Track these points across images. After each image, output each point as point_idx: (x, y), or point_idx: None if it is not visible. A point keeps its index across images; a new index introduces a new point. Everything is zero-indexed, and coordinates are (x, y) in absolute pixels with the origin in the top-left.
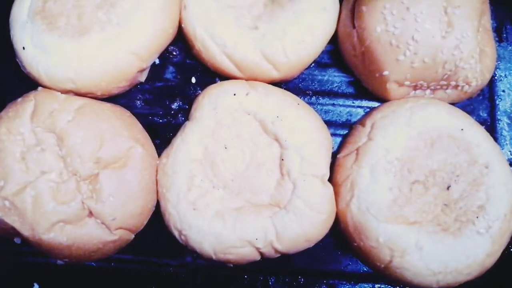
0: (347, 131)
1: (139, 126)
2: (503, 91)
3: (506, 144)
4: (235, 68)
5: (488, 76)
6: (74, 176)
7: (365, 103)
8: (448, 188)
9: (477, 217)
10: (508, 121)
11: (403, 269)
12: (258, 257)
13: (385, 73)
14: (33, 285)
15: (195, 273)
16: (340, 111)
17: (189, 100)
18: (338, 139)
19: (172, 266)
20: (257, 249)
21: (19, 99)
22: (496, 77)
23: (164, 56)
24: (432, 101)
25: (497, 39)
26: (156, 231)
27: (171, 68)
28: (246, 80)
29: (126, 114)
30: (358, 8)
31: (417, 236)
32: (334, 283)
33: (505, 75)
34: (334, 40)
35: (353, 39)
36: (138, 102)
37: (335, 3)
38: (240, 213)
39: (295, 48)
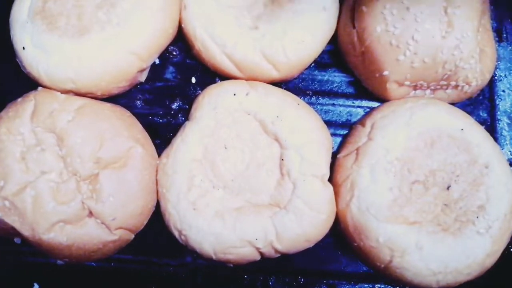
0: (347, 131)
1: (139, 126)
2: (503, 91)
3: (506, 144)
4: (235, 68)
5: (488, 76)
6: (74, 176)
7: (365, 103)
8: (448, 188)
9: (477, 217)
10: (508, 121)
11: (403, 269)
12: (258, 257)
13: (385, 73)
14: (33, 285)
15: (195, 273)
16: (340, 111)
17: (189, 100)
18: (338, 139)
19: (172, 266)
20: (257, 249)
21: (19, 99)
22: (496, 77)
23: (164, 56)
24: (432, 101)
25: (497, 39)
26: (156, 231)
27: (171, 68)
28: (246, 80)
29: (126, 114)
30: (358, 8)
31: (417, 236)
32: (334, 283)
33: (505, 75)
34: (334, 40)
35: (353, 39)
36: (138, 102)
37: (335, 3)
38: (240, 213)
39: (295, 48)
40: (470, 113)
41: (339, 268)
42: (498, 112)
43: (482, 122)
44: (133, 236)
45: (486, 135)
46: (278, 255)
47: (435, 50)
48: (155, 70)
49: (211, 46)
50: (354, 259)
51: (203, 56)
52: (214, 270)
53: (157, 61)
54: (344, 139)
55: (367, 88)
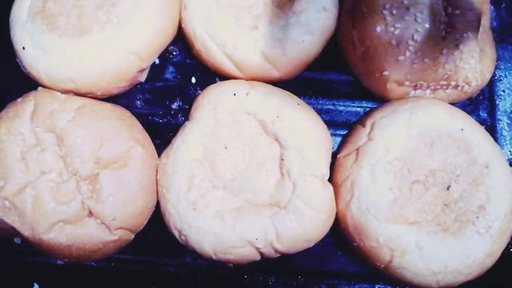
0: (347, 131)
1: (139, 126)
2: (503, 91)
3: (506, 144)
4: (235, 68)
5: (488, 76)
6: (74, 176)
7: (365, 103)
8: (448, 188)
9: (477, 217)
10: (508, 121)
11: (403, 269)
12: (258, 257)
13: (385, 73)
14: (33, 285)
15: (195, 273)
16: (340, 111)
17: (189, 100)
18: (338, 139)
19: (172, 266)
20: (257, 249)
21: (19, 99)
22: (496, 77)
23: (164, 56)
24: (432, 101)
25: (497, 39)
26: (156, 231)
27: (171, 68)
28: (246, 80)
29: (126, 114)
30: (358, 8)
31: (417, 236)
32: (334, 283)
33: (505, 75)
34: (334, 40)
35: (353, 39)
36: (138, 102)
37: (335, 3)
38: (240, 213)
39: (295, 48)
40: (470, 113)
41: (339, 268)
42: (498, 112)
43: (482, 122)
44: (133, 236)
45: (486, 135)
46: (278, 255)
47: (435, 50)
48: (155, 70)
49: (211, 46)
50: (354, 259)
51: (203, 56)
52: (214, 270)
53: (157, 61)
54: (344, 139)
55: (367, 88)
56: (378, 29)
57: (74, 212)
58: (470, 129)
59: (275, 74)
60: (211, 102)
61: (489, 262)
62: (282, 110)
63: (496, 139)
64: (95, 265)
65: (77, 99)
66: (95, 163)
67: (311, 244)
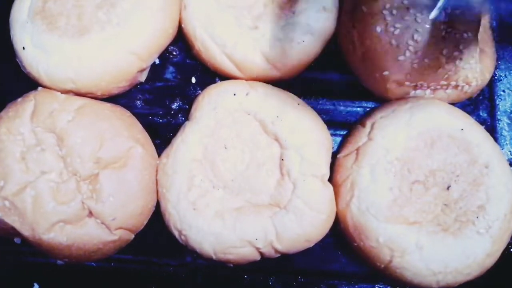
0: (347, 131)
1: (139, 126)
2: (503, 91)
3: (506, 144)
4: (235, 68)
5: (488, 76)
6: (74, 176)
7: (365, 103)
8: (448, 188)
9: (477, 217)
10: (508, 121)
11: (403, 269)
12: (258, 257)
13: (385, 73)
14: (33, 285)
15: (195, 273)
16: (340, 111)
17: (189, 100)
18: (338, 139)
19: (172, 266)
20: (257, 249)
21: (19, 99)
22: (496, 77)
23: (164, 56)
24: (432, 101)
25: (497, 39)
26: (156, 231)
27: (171, 68)
28: (246, 80)
29: (126, 114)
30: (358, 8)
31: (417, 236)
32: (334, 283)
33: (505, 75)
34: (334, 40)
35: (353, 39)
36: (138, 102)
37: (335, 3)
38: (240, 213)
39: (295, 48)
40: (470, 113)
41: (339, 268)
42: (498, 112)
43: (482, 122)
44: (133, 236)
45: (486, 135)
46: (278, 255)
47: (435, 50)
48: (155, 70)
49: (211, 46)
50: (354, 259)
51: (203, 56)
52: (214, 270)
53: (157, 61)
54: (344, 139)
55: (367, 88)
56: (378, 29)
57: (74, 212)
58: (470, 129)
59: (275, 74)
60: (211, 102)
61: (489, 262)
62: (282, 110)
63: (496, 139)
64: (95, 265)
65: (77, 99)
66: (95, 163)
67: (311, 244)
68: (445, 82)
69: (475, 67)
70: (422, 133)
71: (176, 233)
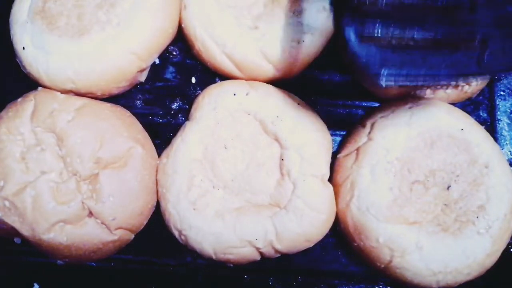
0: (347, 131)
1: (139, 126)
2: (503, 91)
3: (506, 144)
4: (235, 68)
5: (488, 76)
6: (74, 176)
7: (365, 103)
8: (448, 188)
9: (477, 217)
10: (508, 121)
11: (403, 269)
12: (258, 257)
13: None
14: (33, 285)
15: (195, 273)
16: (340, 111)
17: (189, 100)
18: (338, 139)
19: (172, 266)
20: (257, 249)
21: (19, 99)
22: (496, 77)
23: (164, 56)
24: (432, 101)
25: None
26: (156, 231)
27: (171, 68)
28: (246, 80)
29: (126, 114)
30: None
31: (417, 236)
32: (334, 283)
33: (505, 75)
34: (334, 40)
35: None
36: (138, 102)
37: None
38: (240, 213)
39: (295, 48)
40: (470, 113)
41: (339, 268)
42: (498, 112)
43: (482, 122)
44: (133, 236)
45: (486, 135)
46: (278, 255)
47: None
48: (155, 70)
49: (211, 46)
50: (354, 259)
51: (203, 56)
52: (214, 270)
53: (157, 61)
54: (344, 139)
55: (367, 88)
56: None
57: (74, 212)
58: (470, 129)
59: (275, 74)
60: (211, 102)
61: (489, 262)
62: (282, 110)
63: (496, 139)
64: (95, 265)
65: (77, 99)
66: (95, 163)
67: (311, 244)
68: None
69: None
70: (422, 133)
71: (176, 233)
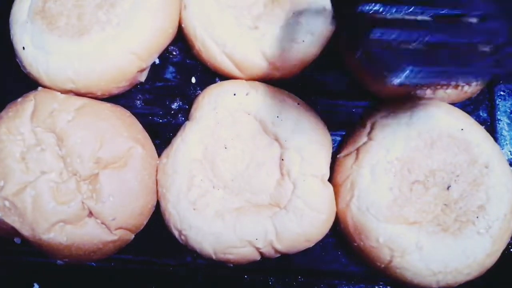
0: (347, 131)
1: (139, 126)
2: (503, 91)
3: (506, 144)
4: (235, 68)
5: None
6: (74, 176)
7: (365, 103)
8: (448, 188)
9: (477, 217)
10: (508, 121)
11: (403, 269)
12: (258, 257)
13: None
14: (33, 285)
15: (195, 273)
16: (340, 111)
17: (189, 100)
18: (338, 139)
19: (172, 266)
20: (257, 249)
21: (19, 99)
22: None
23: (164, 56)
24: (432, 101)
25: None
26: (156, 231)
27: (171, 68)
28: (246, 80)
29: (126, 114)
30: None
31: (417, 236)
32: (334, 283)
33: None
34: (334, 40)
35: None
36: (138, 102)
37: None
38: (240, 213)
39: (295, 48)
40: (470, 113)
41: (339, 268)
42: (498, 112)
43: (482, 122)
44: (133, 236)
45: (486, 135)
46: (278, 255)
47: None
48: (155, 70)
49: (211, 46)
50: (354, 259)
51: (203, 56)
52: (214, 270)
53: (157, 61)
54: (344, 139)
55: (367, 88)
56: None
57: (74, 212)
58: (470, 129)
59: (275, 74)
60: (211, 102)
61: (489, 262)
62: (282, 110)
63: (496, 139)
64: (95, 265)
65: (77, 99)
66: (95, 163)
67: (311, 244)
68: (445, 82)
69: None
70: (422, 133)
71: (176, 233)
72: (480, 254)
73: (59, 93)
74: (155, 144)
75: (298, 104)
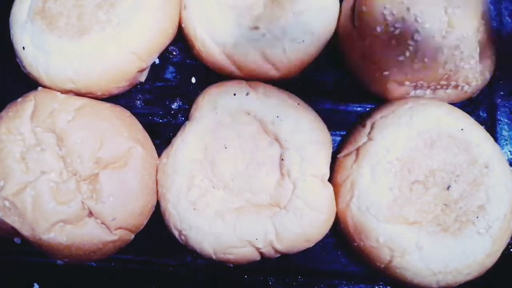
0: (347, 131)
1: (139, 126)
2: (503, 91)
3: (506, 144)
4: (235, 68)
5: (488, 76)
6: (74, 176)
7: (365, 103)
8: (448, 188)
9: (477, 217)
10: (508, 121)
11: (403, 269)
12: (258, 257)
13: (385, 73)
14: (33, 285)
15: (195, 273)
16: (340, 111)
17: (189, 100)
18: (338, 139)
19: (172, 266)
20: (257, 249)
21: (19, 99)
22: (496, 77)
23: (164, 56)
24: (432, 101)
25: (497, 39)
26: (156, 231)
27: (171, 68)
28: (246, 80)
29: (126, 114)
30: (358, 8)
31: (417, 236)
32: (334, 283)
33: (504, 75)
34: (334, 40)
35: (353, 39)
36: (138, 102)
37: (335, 3)
38: (240, 213)
39: (295, 48)
40: (470, 113)
41: (339, 268)
42: (498, 112)
43: (482, 122)
44: (133, 236)
45: (486, 135)
46: (278, 255)
47: (435, 50)
48: (155, 70)
49: (211, 46)
50: (354, 259)
51: (203, 56)
52: (214, 270)
53: (157, 61)
54: (344, 139)
55: (367, 88)
56: (378, 29)
57: (74, 212)
58: (470, 129)
59: (275, 74)
60: (211, 102)
61: (489, 262)
62: (282, 110)
63: (496, 139)
64: (95, 265)
65: (77, 99)
66: (95, 163)
67: (311, 244)
68: (445, 82)
69: (475, 67)
70: (422, 133)
71: (176, 233)
72: (480, 254)
73: (59, 93)
74: (155, 144)
75: (298, 104)
